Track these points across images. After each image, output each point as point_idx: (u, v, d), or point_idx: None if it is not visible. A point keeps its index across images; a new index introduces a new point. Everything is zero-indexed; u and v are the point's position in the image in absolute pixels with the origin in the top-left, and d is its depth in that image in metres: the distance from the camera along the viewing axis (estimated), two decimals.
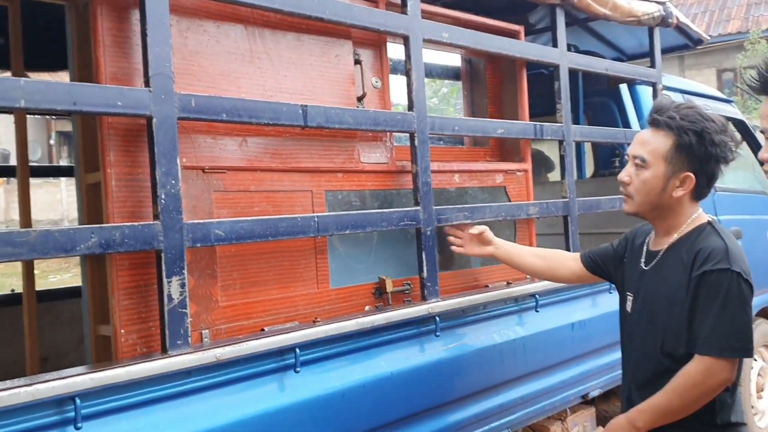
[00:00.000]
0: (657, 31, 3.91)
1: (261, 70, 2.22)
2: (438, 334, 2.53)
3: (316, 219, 2.17)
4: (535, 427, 3.31)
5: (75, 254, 1.67)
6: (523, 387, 2.87)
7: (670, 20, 3.84)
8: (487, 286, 2.93)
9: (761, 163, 1.75)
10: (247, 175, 2.17)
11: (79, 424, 1.64)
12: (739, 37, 14.02)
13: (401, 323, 2.41)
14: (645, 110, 4.07)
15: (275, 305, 2.24)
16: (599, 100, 4.35)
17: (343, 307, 2.44)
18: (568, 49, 4.24)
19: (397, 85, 2.93)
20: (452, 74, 3.56)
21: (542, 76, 4.05)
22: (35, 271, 3.15)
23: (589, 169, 4.75)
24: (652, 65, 3.91)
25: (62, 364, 2.39)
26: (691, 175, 2.03)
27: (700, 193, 2.10)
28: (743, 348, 1.96)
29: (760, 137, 1.77)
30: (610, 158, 4.41)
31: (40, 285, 3.61)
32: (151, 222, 1.81)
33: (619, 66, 3.72)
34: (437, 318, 2.52)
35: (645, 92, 4.16)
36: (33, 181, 3.25)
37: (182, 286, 1.84)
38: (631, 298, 2.23)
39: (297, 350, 2.07)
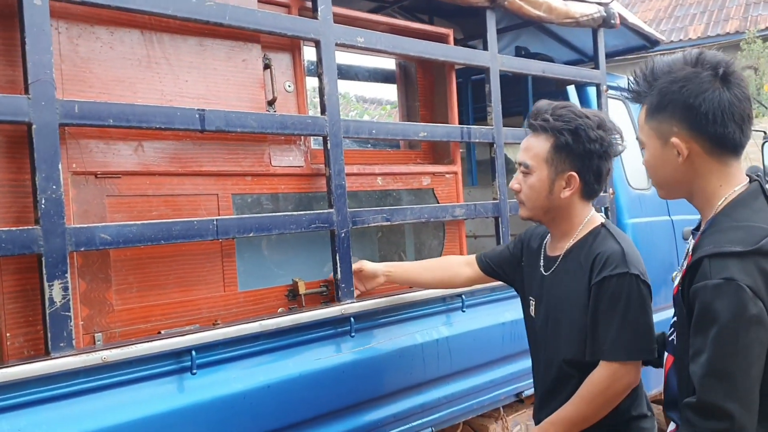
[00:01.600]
0: (601, 33, 3.93)
1: (159, 76, 2.25)
2: (353, 335, 2.55)
3: (215, 222, 2.20)
4: (475, 426, 3.34)
5: None
6: (448, 386, 2.88)
7: (612, 21, 3.85)
8: (410, 287, 2.94)
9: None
10: (144, 179, 2.20)
11: None
12: (737, 36, 13.93)
13: (312, 325, 2.43)
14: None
15: (176, 309, 2.27)
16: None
17: (253, 309, 2.47)
18: (518, 53, 4.32)
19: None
20: (388, 78, 3.58)
21: (507, 78, 4.07)
22: None
23: None
24: (596, 66, 3.93)
25: None
26: (574, 174, 2.06)
27: (590, 191, 2.12)
28: (648, 349, 1.98)
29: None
30: None
31: None
32: (31, 227, 1.84)
33: (558, 68, 3.73)
34: (352, 319, 2.54)
35: (593, 93, 4.17)
36: None
37: (65, 289, 1.87)
38: (533, 302, 2.25)
39: (193, 352, 2.10)
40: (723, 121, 1.56)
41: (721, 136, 1.58)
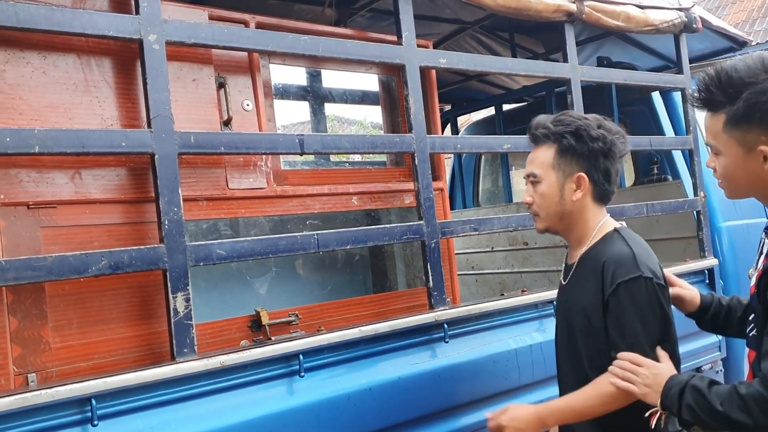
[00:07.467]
0: (683, 38, 3.93)
1: (98, 100, 2.28)
2: (447, 340, 2.67)
3: (315, 236, 2.38)
4: None
5: (88, 275, 1.95)
6: (544, 391, 2.88)
7: (695, 26, 3.85)
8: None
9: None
10: (83, 208, 2.21)
11: (96, 422, 1.90)
12: None
13: (407, 331, 2.57)
14: (680, 115, 4.09)
15: (124, 344, 2.27)
16: (634, 108, 4.39)
17: (211, 342, 2.43)
18: (600, 63, 4.38)
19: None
20: (370, 98, 3.51)
21: (590, 88, 4.11)
22: None
23: (630, 177, 4.77)
24: (680, 71, 3.93)
25: None
26: (583, 174, 2.06)
27: (601, 192, 2.11)
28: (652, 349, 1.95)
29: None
30: (649, 166, 4.43)
31: None
32: (157, 245, 2.08)
33: (640, 75, 3.77)
34: (445, 325, 2.66)
35: (679, 98, 4.17)
36: None
37: (187, 300, 2.09)
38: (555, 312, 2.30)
39: (301, 356, 2.28)
40: None
41: None
